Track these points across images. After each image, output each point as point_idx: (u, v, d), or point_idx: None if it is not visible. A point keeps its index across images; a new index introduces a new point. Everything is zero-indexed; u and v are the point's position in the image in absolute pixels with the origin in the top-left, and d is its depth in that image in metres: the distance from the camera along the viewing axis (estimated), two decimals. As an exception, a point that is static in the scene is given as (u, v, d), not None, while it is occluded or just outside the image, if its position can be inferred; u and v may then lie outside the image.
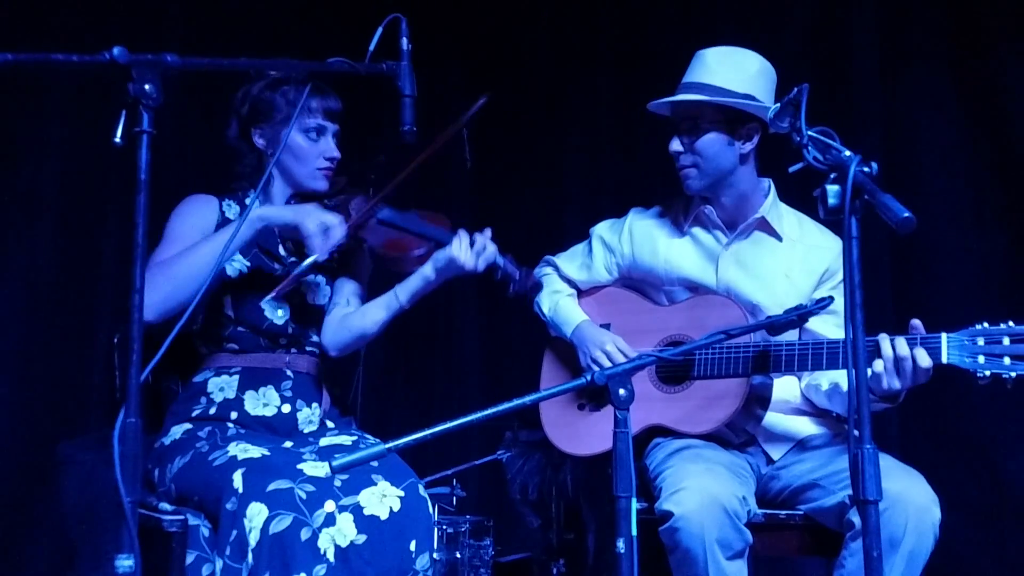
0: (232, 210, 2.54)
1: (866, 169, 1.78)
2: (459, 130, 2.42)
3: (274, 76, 2.49)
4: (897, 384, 2.21)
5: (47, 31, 3.22)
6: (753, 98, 2.48)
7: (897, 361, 2.20)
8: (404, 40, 2.11)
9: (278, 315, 2.49)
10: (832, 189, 1.78)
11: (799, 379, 2.63)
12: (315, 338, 2.55)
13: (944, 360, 2.19)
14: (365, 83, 2.09)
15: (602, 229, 2.81)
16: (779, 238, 2.61)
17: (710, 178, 2.55)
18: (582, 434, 2.65)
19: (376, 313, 2.49)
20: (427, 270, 2.44)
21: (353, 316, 2.51)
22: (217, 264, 2.21)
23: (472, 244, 2.40)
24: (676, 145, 2.56)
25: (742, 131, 2.52)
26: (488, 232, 2.44)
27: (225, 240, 2.25)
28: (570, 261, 2.84)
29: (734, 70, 2.51)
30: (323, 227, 2.36)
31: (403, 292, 2.47)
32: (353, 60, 2.05)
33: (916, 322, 2.25)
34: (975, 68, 3.55)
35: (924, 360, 2.19)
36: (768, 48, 2.59)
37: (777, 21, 3.80)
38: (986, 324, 2.18)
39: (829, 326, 2.52)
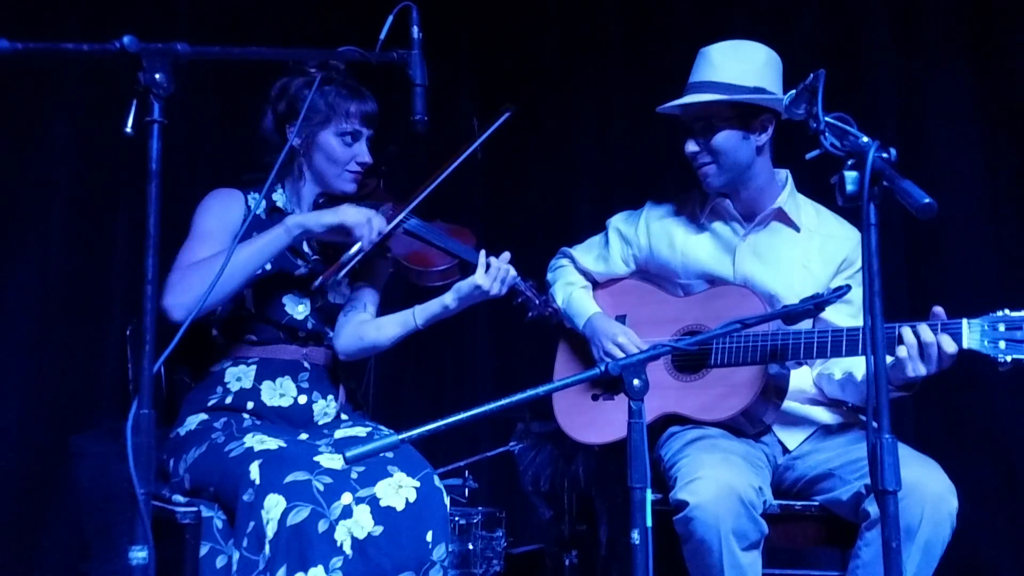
0: (259, 205, 2.52)
1: (885, 155, 1.75)
2: (481, 142, 2.50)
3: (314, 75, 2.45)
4: (923, 370, 2.19)
5: (57, 20, 3.21)
6: (763, 90, 2.46)
7: (922, 348, 2.18)
8: (415, 28, 2.09)
9: (299, 311, 2.49)
10: (850, 175, 1.76)
11: (812, 368, 2.61)
12: (332, 334, 2.55)
13: (965, 345, 2.17)
14: (376, 72, 2.08)
15: (618, 221, 2.80)
16: (796, 228, 2.59)
17: (729, 174, 2.53)
18: (595, 422, 2.64)
19: (391, 329, 2.48)
20: (448, 299, 2.44)
21: (368, 327, 2.50)
22: (252, 272, 2.32)
23: (494, 269, 2.41)
24: (692, 146, 2.54)
25: (756, 123, 2.50)
26: (506, 256, 2.45)
27: (262, 246, 2.32)
28: (587, 253, 2.83)
29: (741, 64, 2.48)
30: (366, 217, 2.40)
31: (421, 315, 2.47)
32: (364, 49, 2.03)
33: (938, 309, 2.23)
34: (990, 53, 3.52)
35: (949, 346, 2.17)
36: (781, 35, 2.58)
37: (790, 8, 3.77)
38: (1007, 310, 2.16)
39: (843, 316, 2.49)
